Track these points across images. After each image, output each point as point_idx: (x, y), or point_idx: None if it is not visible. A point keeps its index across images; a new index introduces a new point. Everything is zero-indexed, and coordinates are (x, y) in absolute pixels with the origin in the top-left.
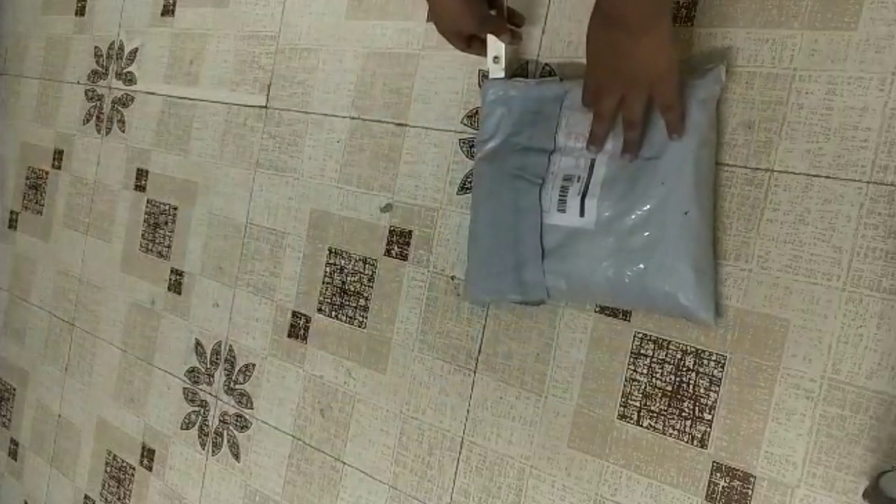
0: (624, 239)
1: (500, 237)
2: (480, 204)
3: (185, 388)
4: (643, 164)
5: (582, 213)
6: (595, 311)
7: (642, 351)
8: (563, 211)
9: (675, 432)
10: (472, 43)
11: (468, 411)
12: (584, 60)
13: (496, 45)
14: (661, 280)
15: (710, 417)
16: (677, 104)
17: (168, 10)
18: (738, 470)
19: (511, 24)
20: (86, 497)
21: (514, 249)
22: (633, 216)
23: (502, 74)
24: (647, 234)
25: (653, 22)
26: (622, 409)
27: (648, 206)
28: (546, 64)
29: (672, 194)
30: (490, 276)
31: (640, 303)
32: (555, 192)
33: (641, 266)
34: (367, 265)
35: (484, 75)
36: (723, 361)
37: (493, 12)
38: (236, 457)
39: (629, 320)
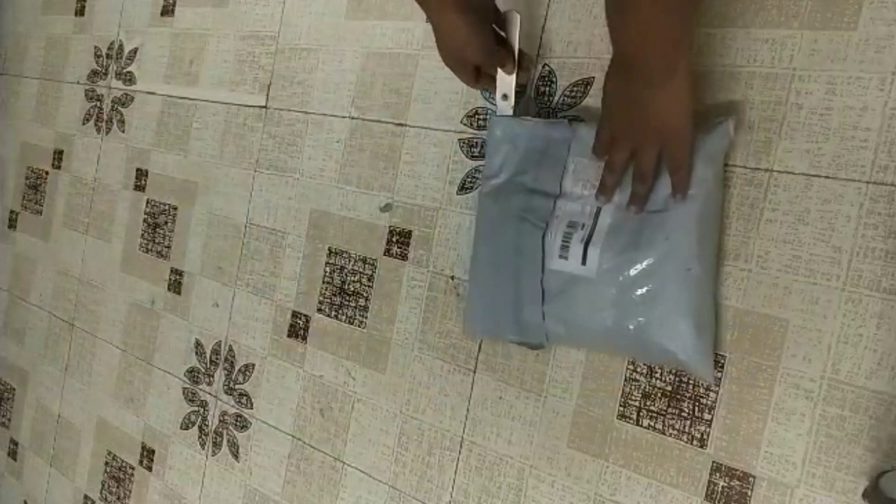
0: (625, 290)
1: (501, 276)
2: (483, 241)
3: (184, 388)
4: (648, 216)
5: (584, 262)
6: None
7: None
8: (565, 258)
9: (675, 432)
10: (481, 78)
11: (468, 411)
12: (581, 60)
13: (505, 82)
14: (661, 335)
15: (709, 417)
16: (686, 165)
17: (168, 10)
18: (737, 470)
19: (519, 65)
20: (85, 497)
21: (515, 289)
22: (636, 269)
23: (510, 112)
24: (648, 287)
25: (669, 73)
26: (622, 408)
27: (651, 260)
28: (545, 64)
29: (675, 249)
30: (489, 314)
31: (638, 354)
32: (558, 237)
33: (641, 319)
34: (366, 265)
35: (490, 111)
36: (722, 361)
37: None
38: (236, 457)
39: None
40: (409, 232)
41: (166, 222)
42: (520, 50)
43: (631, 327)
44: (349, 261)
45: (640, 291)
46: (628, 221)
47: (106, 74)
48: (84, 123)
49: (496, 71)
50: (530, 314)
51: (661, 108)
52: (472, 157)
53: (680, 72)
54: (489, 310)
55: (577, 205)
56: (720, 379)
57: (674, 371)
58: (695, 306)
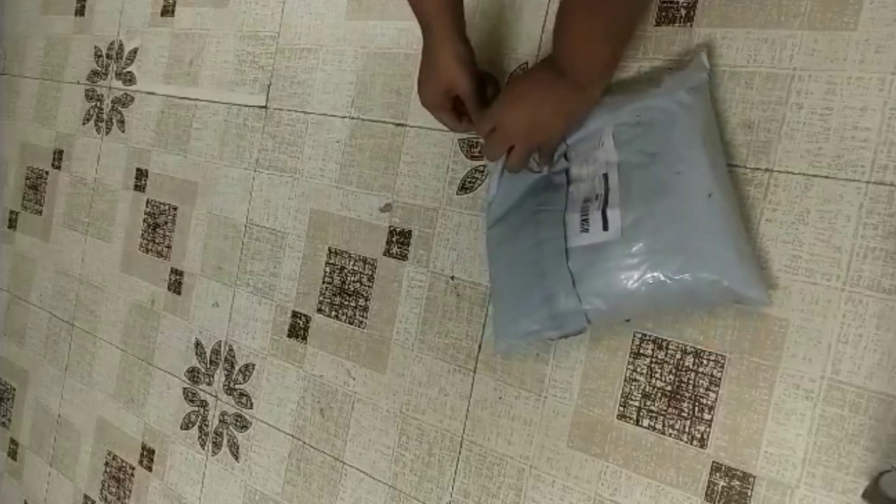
0: (654, 239)
1: (524, 275)
2: (498, 248)
3: (184, 388)
4: (651, 160)
5: (605, 227)
6: None
7: (642, 351)
8: (587, 230)
9: (675, 432)
10: (463, 118)
11: (468, 411)
12: None
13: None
14: (703, 269)
15: (709, 417)
16: (551, 156)
17: (168, 10)
18: (737, 470)
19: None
20: (85, 497)
21: (541, 284)
22: (658, 213)
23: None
24: (675, 227)
25: (593, 80)
26: (622, 408)
27: (670, 200)
28: None
29: (690, 181)
30: (520, 318)
31: (687, 300)
32: (576, 215)
33: (679, 260)
34: (366, 265)
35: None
36: (722, 361)
37: None
38: (236, 457)
39: (629, 320)
40: (409, 232)
41: (166, 222)
42: (488, 73)
43: (670, 272)
44: (349, 261)
45: (668, 234)
46: (634, 171)
47: (106, 74)
48: (84, 123)
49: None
50: (565, 302)
51: (561, 108)
52: (472, 157)
53: (600, 83)
54: (518, 314)
55: (588, 183)
56: (720, 379)
57: (673, 371)
58: (728, 229)
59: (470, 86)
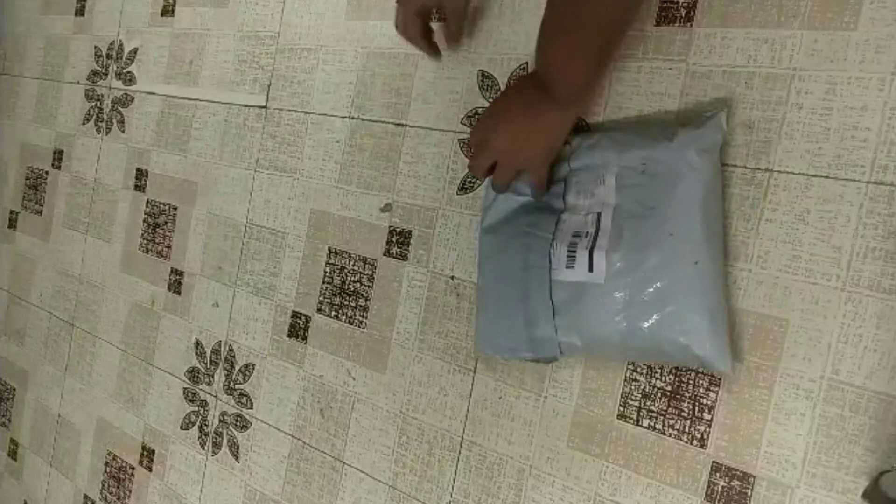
0: (635, 291)
1: (510, 293)
2: (489, 260)
3: (184, 388)
4: (648, 213)
5: (591, 268)
6: None
7: None
8: (572, 267)
9: (675, 432)
10: (426, 34)
11: (468, 411)
12: None
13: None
14: (675, 332)
15: (709, 417)
16: (543, 181)
17: (168, 10)
18: (737, 470)
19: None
20: (85, 497)
21: (525, 306)
22: (643, 268)
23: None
24: (658, 285)
25: (572, 99)
26: (622, 408)
27: (658, 258)
28: None
29: (681, 245)
30: (501, 333)
31: (656, 356)
32: (563, 248)
33: (655, 317)
34: (366, 265)
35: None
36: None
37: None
38: (236, 457)
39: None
40: (409, 232)
41: (166, 222)
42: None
43: (645, 327)
44: (349, 261)
45: (650, 290)
46: (629, 222)
47: (106, 74)
48: (84, 123)
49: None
50: (542, 329)
51: (542, 125)
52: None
53: (579, 103)
54: (500, 329)
55: (581, 216)
56: (720, 379)
57: (673, 371)
58: (707, 299)
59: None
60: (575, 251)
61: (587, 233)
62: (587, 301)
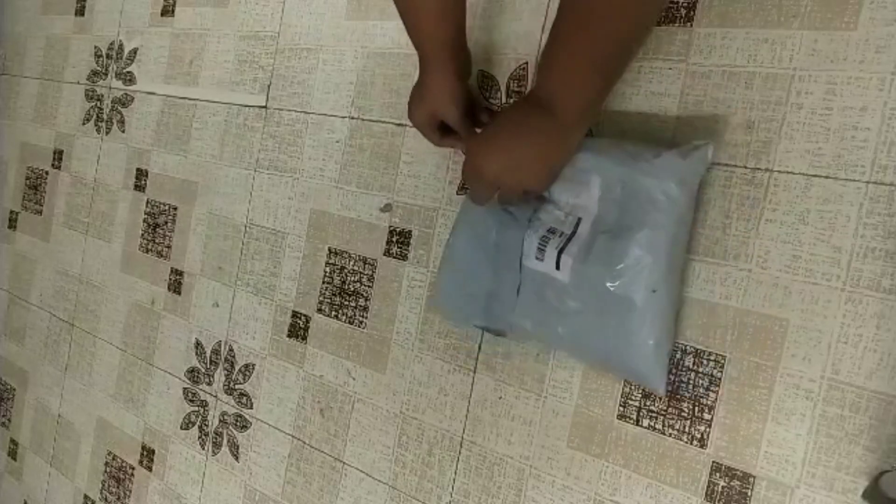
0: (592, 302)
1: (479, 264)
2: (463, 228)
3: (184, 388)
4: (618, 230)
5: (557, 268)
6: None
7: None
8: (541, 259)
9: (675, 432)
10: (445, 138)
11: (468, 411)
12: None
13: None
14: (622, 348)
15: (709, 417)
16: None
17: (168, 10)
18: (737, 470)
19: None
20: (85, 497)
21: (492, 280)
22: (605, 284)
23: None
24: (615, 303)
25: (577, 118)
26: (621, 408)
27: (620, 280)
28: None
29: (644, 271)
30: (462, 297)
31: (597, 363)
32: (535, 238)
33: (606, 332)
34: (366, 265)
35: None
36: (722, 361)
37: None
38: (236, 457)
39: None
40: (409, 232)
41: (166, 222)
42: (482, 104)
43: (594, 337)
44: (349, 261)
45: (606, 305)
46: (602, 235)
47: (106, 74)
48: (84, 123)
49: (462, 133)
50: (503, 305)
51: (542, 148)
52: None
53: (583, 123)
54: (462, 294)
55: (561, 213)
56: (720, 379)
57: (673, 371)
58: (656, 327)
59: (458, 118)
60: (545, 247)
61: (562, 233)
62: (548, 294)
